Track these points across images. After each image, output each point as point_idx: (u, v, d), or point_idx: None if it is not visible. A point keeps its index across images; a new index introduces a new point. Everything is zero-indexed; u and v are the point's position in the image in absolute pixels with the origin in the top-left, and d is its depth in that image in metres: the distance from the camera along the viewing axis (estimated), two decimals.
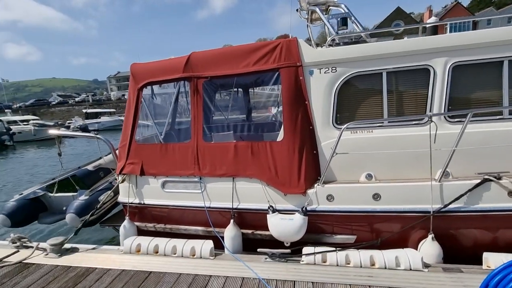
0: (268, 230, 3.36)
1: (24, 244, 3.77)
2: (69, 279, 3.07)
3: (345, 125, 3.12)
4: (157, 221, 4.03)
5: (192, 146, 3.80)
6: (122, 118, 4.60)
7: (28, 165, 15.68)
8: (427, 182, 2.98)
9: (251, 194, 3.57)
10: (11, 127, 26.24)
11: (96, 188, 4.66)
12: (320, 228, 3.38)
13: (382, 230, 3.20)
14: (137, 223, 4.03)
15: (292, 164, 3.40)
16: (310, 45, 3.65)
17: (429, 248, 2.95)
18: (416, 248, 3.07)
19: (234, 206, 3.59)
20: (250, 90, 5.29)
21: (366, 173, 3.34)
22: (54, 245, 3.53)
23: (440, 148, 2.91)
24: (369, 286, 2.60)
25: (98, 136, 4.73)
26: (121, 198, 4.19)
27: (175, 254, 3.35)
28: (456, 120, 3.14)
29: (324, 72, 3.43)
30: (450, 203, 2.90)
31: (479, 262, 2.78)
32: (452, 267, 2.78)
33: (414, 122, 3.25)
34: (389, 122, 3.32)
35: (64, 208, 4.40)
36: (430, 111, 3.20)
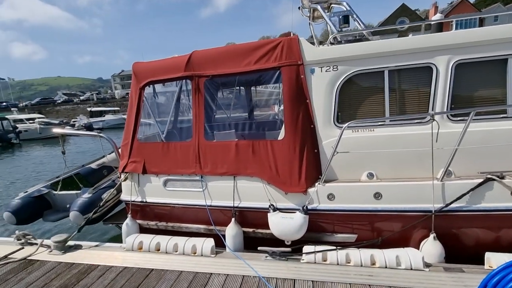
0: (269, 228, 3.37)
1: (28, 241, 3.83)
2: (72, 275, 3.11)
3: (346, 124, 3.10)
4: (159, 219, 4.06)
5: (194, 144, 3.81)
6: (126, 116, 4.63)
7: (35, 163, 15.91)
8: (428, 181, 2.96)
9: (252, 192, 3.57)
10: (17, 125, 26.58)
11: (99, 186, 4.71)
12: (321, 227, 3.38)
13: (383, 229, 3.19)
14: (139, 221, 4.07)
15: (293, 163, 3.40)
16: (313, 43, 3.63)
17: (431, 247, 2.94)
18: (418, 248, 3.06)
19: (235, 205, 3.60)
20: (252, 88, 5.30)
21: (368, 172, 3.32)
22: (57, 242, 3.58)
23: (443, 147, 2.89)
24: (370, 285, 2.60)
25: (101, 134, 4.77)
26: (124, 196, 4.23)
27: (176, 251, 3.37)
28: (459, 118, 3.10)
29: (326, 71, 3.41)
30: (452, 202, 2.87)
31: (482, 262, 2.76)
32: (453, 266, 2.76)
33: (416, 121, 3.22)
34: (390, 120, 3.30)
35: (68, 206, 4.46)
36: (432, 110, 3.16)
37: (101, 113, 37.52)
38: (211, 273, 2.95)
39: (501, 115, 3.05)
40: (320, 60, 3.41)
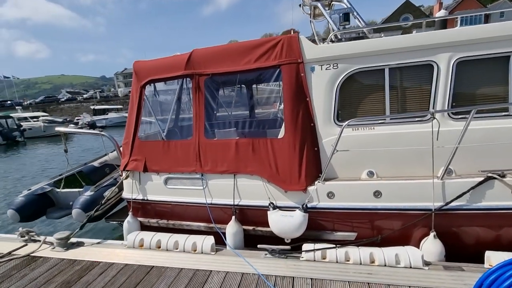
0: (269, 226, 3.38)
1: (32, 238, 3.88)
2: (74, 272, 3.16)
3: (346, 122, 3.10)
4: (160, 217, 4.10)
5: (194, 143, 3.83)
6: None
7: (40, 160, 16.11)
8: (429, 179, 2.95)
9: (252, 190, 3.59)
10: (22, 123, 26.82)
11: (101, 184, 4.76)
12: (321, 225, 3.38)
13: (383, 228, 3.19)
14: (140, 219, 4.11)
15: (293, 161, 3.40)
16: (313, 41, 3.62)
17: (431, 246, 2.93)
18: (418, 246, 3.05)
19: (236, 203, 3.62)
20: (252, 86, 5.30)
21: (368, 170, 3.32)
22: (60, 239, 3.63)
23: (444, 145, 2.87)
24: (368, 283, 2.61)
25: (102, 133, 4.80)
26: (125, 194, 4.26)
27: (177, 249, 3.40)
28: (460, 116, 3.08)
29: (326, 69, 3.40)
30: (452, 201, 2.86)
31: (482, 261, 2.75)
32: (453, 265, 2.76)
33: (416, 119, 3.20)
34: (391, 119, 3.28)
35: (71, 204, 4.51)
36: (433, 108, 3.14)
37: (104, 111, 37.72)
38: (211, 270, 2.97)
39: (503, 113, 3.03)
40: (320, 58, 3.39)
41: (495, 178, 2.81)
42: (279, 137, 3.54)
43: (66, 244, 3.66)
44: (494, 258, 2.64)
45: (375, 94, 3.35)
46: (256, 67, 3.60)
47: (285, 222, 3.26)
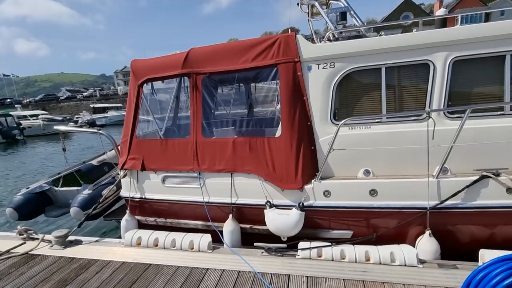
0: (265, 225, 3.40)
1: (30, 236, 3.90)
2: (72, 270, 3.18)
3: (342, 121, 3.11)
4: (157, 215, 4.12)
5: (192, 141, 3.84)
6: None
7: (40, 158, 16.15)
8: (424, 178, 2.97)
9: (249, 189, 3.60)
10: (21, 121, 26.82)
11: (99, 182, 4.78)
12: (317, 223, 3.40)
13: (379, 226, 3.21)
14: (138, 217, 4.13)
15: (289, 160, 3.42)
16: (311, 39, 3.62)
17: (426, 244, 2.95)
18: (414, 244, 3.07)
19: (233, 201, 3.64)
20: (250, 85, 5.30)
21: (364, 169, 3.33)
22: (58, 237, 3.64)
23: (440, 144, 2.88)
24: (363, 281, 2.63)
25: (100, 131, 4.82)
26: (123, 193, 4.28)
27: (174, 247, 3.42)
28: (455, 116, 3.09)
29: (323, 68, 3.41)
30: (447, 199, 2.88)
31: (477, 259, 2.77)
32: (447, 263, 2.78)
33: (412, 118, 3.21)
34: (387, 118, 3.29)
35: (70, 202, 4.53)
36: (429, 107, 3.15)
37: (104, 110, 37.70)
38: (208, 268, 2.99)
39: (498, 112, 3.04)
40: (317, 57, 3.40)
41: (489, 177, 2.83)
42: (276, 136, 3.56)
43: (64, 242, 3.68)
44: (488, 256, 2.66)
45: (372, 93, 3.36)
46: (253, 66, 3.61)
47: (282, 220, 3.29)
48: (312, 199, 3.34)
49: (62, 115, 36.73)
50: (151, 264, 3.15)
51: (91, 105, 40.72)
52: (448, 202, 2.91)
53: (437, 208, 2.92)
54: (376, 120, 3.32)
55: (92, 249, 3.57)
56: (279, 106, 3.83)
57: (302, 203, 3.30)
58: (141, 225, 4.09)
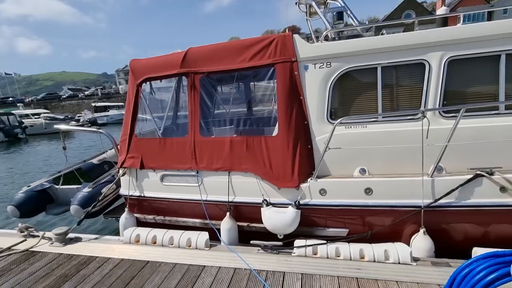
0: (262, 223, 3.44)
1: (31, 233, 3.97)
2: (72, 266, 3.23)
3: (338, 120, 3.14)
4: (156, 213, 4.17)
5: (190, 140, 3.88)
6: None
7: (44, 157, 16.29)
8: (418, 177, 3.00)
9: (247, 187, 3.64)
10: (23, 120, 26.97)
11: (99, 181, 4.83)
12: (313, 221, 3.44)
13: (374, 224, 3.24)
14: (137, 215, 4.18)
15: (286, 159, 3.45)
16: (310, 38, 3.65)
17: (421, 242, 2.99)
18: (408, 242, 3.10)
19: (230, 200, 3.68)
20: (248, 85, 5.33)
21: (360, 167, 3.36)
22: (58, 235, 3.70)
23: (435, 143, 2.91)
24: (357, 278, 2.67)
25: (100, 130, 4.86)
26: (122, 191, 4.33)
27: (172, 244, 3.47)
28: (451, 115, 3.11)
29: (319, 67, 3.43)
30: (441, 197, 2.91)
31: (470, 257, 2.79)
32: (440, 261, 2.81)
33: (408, 117, 3.24)
34: (383, 117, 3.32)
35: (71, 199, 4.59)
36: (424, 106, 3.18)
37: (105, 108, 37.84)
38: (205, 265, 3.04)
39: (493, 112, 3.06)
40: (313, 56, 3.43)
41: (483, 176, 2.85)
42: (273, 135, 3.59)
43: (64, 240, 3.74)
44: (481, 254, 2.69)
45: (368, 93, 3.39)
46: (251, 65, 3.64)
47: (278, 218, 3.32)
48: (308, 197, 3.37)
49: (64, 113, 36.92)
50: (149, 261, 3.21)
51: (93, 104, 40.88)
52: (442, 201, 2.94)
53: (431, 207, 2.95)
54: (372, 119, 3.34)
55: (91, 246, 3.63)
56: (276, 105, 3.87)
57: (298, 202, 3.34)
58: (140, 223, 4.15)
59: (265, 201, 3.47)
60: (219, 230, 3.61)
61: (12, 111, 27.65)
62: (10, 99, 51.71)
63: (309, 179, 3.38)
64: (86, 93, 60.06)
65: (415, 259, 2.83)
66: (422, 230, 2.98)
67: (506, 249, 1.48)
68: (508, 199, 2.82)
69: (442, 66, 3.10)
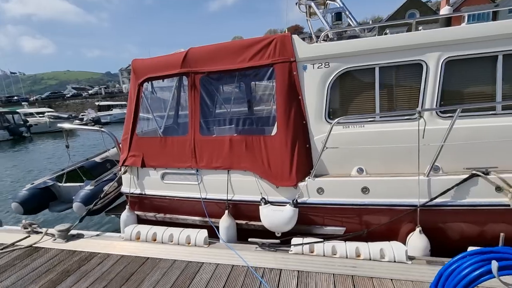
0: (260, 221, 3.49)
1: (34, 229, 4.05)
2: (73, 262, 3.31)
3: (335, 120, 3.18)
4: (156, 211, 4.23)
5: (190, 139, 3.94)
6: None
7: (48, 155, 16.54)
8: (414, 176, 3.02)
9: (245, 186, 3.69)
10: (28, 119, 27.26)
11: (101, 178, 4.91)
12: (311, 220, 3.48)
13: (370, 223, 3.28)
14: (137, 212, 4.25)
15: (284, 158, 3.49)
16: (310, 38, 3.68)
17: (417, 240, 3.02)
18: (405, 241, 3.13)
19: (229, 198, 3.73)
20: (247, 84, 5.37)
21: (358, 167, 3.40)
22: (61, 231, 3.78)
23: (432, 143, 2.93)
24: (352, 275, 2.70)
25: (102, 129, 4.94)
26: (124, 189, 4.41)
27: (171, 242, 3.53)
28: (447, 115, 3.14)
29: (318, 67, 3.47)
30: (437, 197, 2.94)
31: None
32: (435, 259, 2.84)
33: (405, 117, 3.26)
34: (380, 117, 3.35)
35: (73, 197, 4.67)
36: (422, 106, 3.20)
37: (108, 107, 38.09)
38: (203, 262, 3.10)
39: (490, 112, 3.07)
40: (312, 57, 3.46)
41: (479, 176, 2.87)
42: (272, 134, 3.63)
43: (66, 236, 3.81)
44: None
45: (366, 93, 3.42)
46: (250, 65, 3.68)
47: (276, 216, 3.37)
48: (306, 196, 3.42)
49: (67, 112, 37.25)
50: (148, 257, 3.27)
51: (96, 103, 41.16)
52: (438, 200, 2.96)
53: (427, 206, 2.98)
54: (370, 119, 3.37)
55: (93, 243, 3.70)
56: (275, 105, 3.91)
57: (296, 200, 3.38)
58: (141, 220, 4.21)
59: (263, 200, 3.51)
60: (218, 228, 3.67)
61: (17, 110, 27.97)
62: (15, 97, 52.22)
63: (306, 178, 3.42)
64: (90, 92, 60.47)
65: (411, 258, 2.86)
66: (418, 229, 3.01)
67: (492, 247, 1.51)
68: (503, 198, 2.84)
69: (440, 66, 3.12)
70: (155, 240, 3.60)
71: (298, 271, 2.83)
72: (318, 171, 3.43)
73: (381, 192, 3.16)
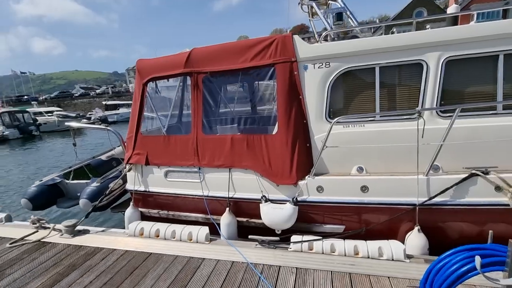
0: (261, 218, 3.54)
1: (42, 225, 4.18)
2: (79, 256, 3.42)
3: (335, 119, 3.21)
4: (160, 207, 4.32)
5: (192, 138, 4.01)
6: None
7: (57, 153, 16.92)
8: (414, 175, 3.04)
9: (246, 184, 3.75)
10: (37, 118, 27.81)
11: (107, 176, 5.02)
12: (310, 218, 3.52)
13: (369, 221, 3.30)
14: (141, 209, 4.35)
15: (285, 157, 3.54)
16: (312, 37, 3.71)
17: (415, 239, 3.03)
18: (403, 239, 3.15)
19: (230, 196, 3.80)
20: (249, 84, 5.42)
21: (357, 166, 3.42)
22: (68, 227, 3.90)
23: (432, 143, 2.94)
24: (350, 273, 2.74)
25: (108, 128, 5.06)
26: (128, 186, 4.51)
27: (174, 238, 3.61)
28: (448, 115, 3.14)
29: (318, 67, 3.50)
30: (435, 196, 2.95)
31: None
32: (433, 258, 2.83)
33: (405, 117, 3.28)
34: (381, 116, 3.37)
35: (78, 194, 4.80)
36: (422, 106, 3.21)
37: (115, 107, 38.56)
38: (204, 258, 3.17)
39: (491, 112, 3.07)
40: (313, 57, 3.50)
41: (478, 175, 2.88)
42: (273, 133, 3.68)
43: (73, 231, 3.93)
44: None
45: (366, 92, 3.44)
46: (252, 65, 3.74)
47: (276, 214, 3.42)
48: (306, 194, 3.46)
49: (75, 111, 37.84)
50: (151, 253, 3.35)
51: (103, 102, 41.70)
52: (437, 199, 2.98)
53: (425, 205, 2.99)
54: (370, 119, 3.39)
55: (98, 238, 3.81)
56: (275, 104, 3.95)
57: (296, 198, 3.42)
58: (144, 217, 4.31)
59: (263, 197, 3.57)
60: (219, 225, 3.73)
61: (27, 109, 28.56)
62: (25, 97, 53.25)
63: (306, 177, 3.46)
64: (98, 91, 61.28)
65: (409, 257, 2.88)
66: (416, 228, 3.03)
67: (480, 244, 1.54)
68: (503, 198, 2.84)
69: (440, 66, 3.12)
70: (158, 236, 3.69)
71: (296, 268, 2.87)
72: (318, 170, 3.47)
73: (380, 191, 3.18)
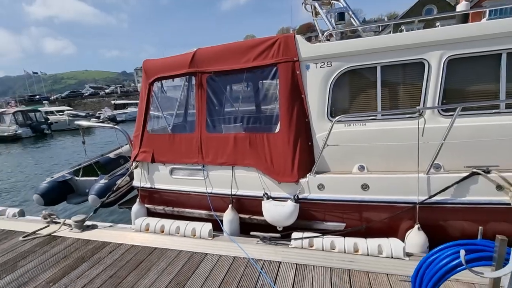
0: (263, 215, 3.61)
1: (53, 220, 4.35)
2: (88, 250, 3.55)
3: (336, 118, 3.25)
4: (165, 204, 4.44)
5: (197, 136, 4.11)
6: None
7: (67, 151, 17.37)
8: (414, 174, 3.06)
9: (249, 182, 3.82)
10: (49, 117, 28.49)
11: (114, 173, 5.17)
12: (311, 215, 3.57)
13: (370, 219, 3.33)
14: (147, 206, 4.47)
15: (287, 155, 3.59)
16: (316, 36, 3.74)
17: (415, 237, 3.05)
18: (403, 237, 3.17)
19: (233, 193, 3.87)
20: (252, 84, 5.48)
21: (359, 164, 3.45)
22: (77, 222, 4.05)
23: (433, 141, 2.95)
24: (349, 270, 2.78)
25: (116, 127, 5.20)
26: (135, 183, 4.64)
27: (178, 233, 3.72)
28: (449, 114, 3.14)
29: (320, 67, 3.54)
30: (436, 194, 2.96)
31: None
32: None
33: (407, 116, 3.29)
34: (382, 115, 3.39)
35: (87, 191, 4.95)
36: (423, 105, 3.22)
37: (124, 106, 39.17)
38: (207, 253, 3.26)
39: (493, 110, 3.06)
40: (314, 56, 3.54)
41: (479, 174, 2.88)
42: (275, 132, 3.74)
43: (82, 226, 4.07)
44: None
45: (367, 91, 3.46)
46: (255, 65, 3.80)
47: (277, 211, 3.48)
48: (307, 192, 3.51)
49: (85, 111, 38.58)
50: (156, 247, 3.46)
51: (112, 102, 42.40)
52: (438, 198, 2.99)
53: (426, 203, 3.01)
54: (371, 117, 3.42)
55: (106, 233, 3.95)
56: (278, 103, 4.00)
57: (297, 196, 3.48)
58: (150, 213, 4.43)
59: (265, 195, 3.63)
60: (222, 221, 3.82)
61: (39, 108, 29.26)
62: (37, 96, 54.49)
63: (308, 175, 3.51)
64: (107, 91, 62.27)
65: (408, 254, 2.91)
66: (416, 226, 3.04)
67: (470, 239, 1.56)
68: (504, 197, 2.83)
69: (442, 65, 3.12)
70: (163, 231, 3.80)
71: (296, 264, 2.93)
72: (320, 168, 3.51)
73: (380, 189, 3.21)
